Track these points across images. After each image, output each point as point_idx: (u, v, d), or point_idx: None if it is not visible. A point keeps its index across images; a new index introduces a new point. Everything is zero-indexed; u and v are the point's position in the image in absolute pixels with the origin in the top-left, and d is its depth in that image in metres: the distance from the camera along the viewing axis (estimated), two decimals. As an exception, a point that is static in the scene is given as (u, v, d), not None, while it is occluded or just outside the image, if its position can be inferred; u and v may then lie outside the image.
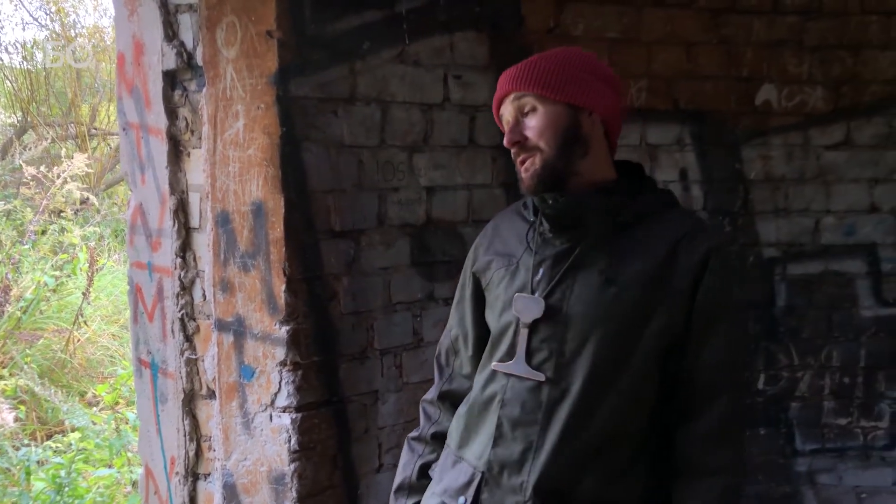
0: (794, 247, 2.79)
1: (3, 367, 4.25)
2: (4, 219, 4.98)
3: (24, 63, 10.11)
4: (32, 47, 10.26)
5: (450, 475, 1.46)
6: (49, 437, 4.06)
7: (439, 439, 1.57)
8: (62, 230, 5.65)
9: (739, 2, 2.64)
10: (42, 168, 5.25)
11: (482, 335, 1.53)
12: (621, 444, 1.34)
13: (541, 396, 1.34)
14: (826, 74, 2.72)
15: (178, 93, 2.15)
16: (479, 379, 1.47)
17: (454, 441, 1.49)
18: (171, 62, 2.11)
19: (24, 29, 12.23)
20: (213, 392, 2.15)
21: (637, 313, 1.31)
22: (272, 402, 2.04)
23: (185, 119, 2.14)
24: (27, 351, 4.45)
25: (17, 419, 3.60)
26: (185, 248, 2.17)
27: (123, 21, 2.22)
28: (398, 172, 2.21)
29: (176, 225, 2.15)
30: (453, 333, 1.61)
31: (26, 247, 4.94)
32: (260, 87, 1.96)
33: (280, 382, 2.03)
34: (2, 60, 10.38)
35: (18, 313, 4.59)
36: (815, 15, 2.69)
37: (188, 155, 2.16)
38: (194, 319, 2.19)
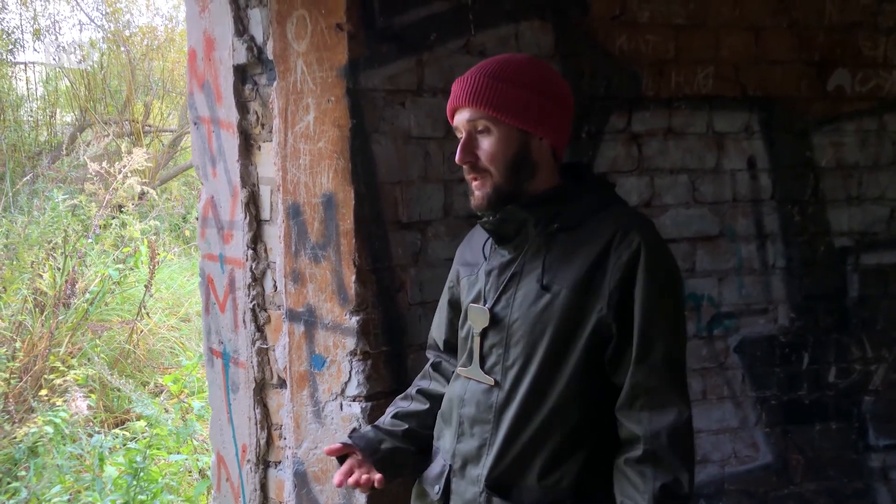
0: (867, 236, 2.70)
1: (73, 357, 4.41)
2: (70, 214, 5.18)
3: (82, 64, 10.44)
4: (90, 47, 10.58)
5: (431, 465, 1.60)
6: (116, 425, 4.19)
7: (422, 394, 1.72)
8: (122, 224, 5.82)
9: (810, -17, 2.56)
10: (104, 164, 5.43)
11: (450, 340, 1.70)
12: (562, 435, 1.40)
13: (491, 398, 1.46)
14: (902, 57, 2.62)
15: (248, 87, 2.18)
16: (452, 379, 1.60)
17: (435, 433, 1.63)
18: (241, 57, 2.15)
19: (80, 30, 12.62)
20: (284, 381, 2.19)
21: (571, 317, 1.37)
22: (342, 392, 2.06)
23: (256, 113, 2.17)
24: (96, 342, 4.61)
25: (89, 407, 3.74)
26: (256, 240, 2.21)
27: (195, 17, 2.26)
28: (463, 164, 2.21)
29: (247, 217, 2.19)
30: (430, 336, 1.79)
31: (90, 241, 5.11)
32: (330, 80, 1.98)
33: (350, 372, 2.05)
34: (61, 60, 10.73)
35: (85, 305, 4.76)
36: (890, -5, 2.60)
37: (259, 148, 2.19)
38: (265, 310, 2.23)
